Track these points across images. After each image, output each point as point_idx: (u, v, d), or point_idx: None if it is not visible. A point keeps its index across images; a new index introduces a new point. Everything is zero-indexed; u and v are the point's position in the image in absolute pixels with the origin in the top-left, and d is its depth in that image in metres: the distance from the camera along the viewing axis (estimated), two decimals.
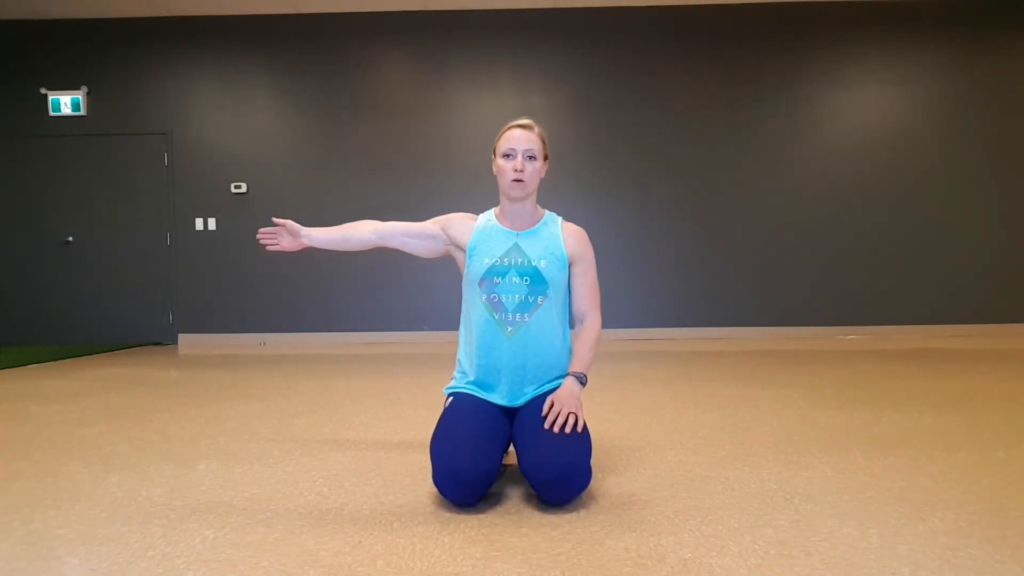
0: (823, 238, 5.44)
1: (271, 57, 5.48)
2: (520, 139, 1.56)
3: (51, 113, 5.47)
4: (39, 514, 1.40)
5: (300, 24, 5.47)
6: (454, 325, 1.72)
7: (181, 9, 5.38)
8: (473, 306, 1.61)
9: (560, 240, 1.62)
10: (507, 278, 1.56)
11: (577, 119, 5.46)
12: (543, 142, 1.60)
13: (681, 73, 5.45)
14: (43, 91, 5.47)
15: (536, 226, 1.63)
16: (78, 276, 5.54)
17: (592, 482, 1.53)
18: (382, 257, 5.45)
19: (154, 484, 1.60)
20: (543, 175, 1.62)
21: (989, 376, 3.13)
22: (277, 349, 5.07)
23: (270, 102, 5.50)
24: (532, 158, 1.56)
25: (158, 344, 5.52)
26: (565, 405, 1.43)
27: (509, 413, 1.59)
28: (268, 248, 1.74)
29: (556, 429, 1.39)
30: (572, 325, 1.66)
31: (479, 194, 5.28)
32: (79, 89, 5.46)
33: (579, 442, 1.39)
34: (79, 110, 5.45)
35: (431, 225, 1.69)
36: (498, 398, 1.59)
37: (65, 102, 5.45)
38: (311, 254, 5.45)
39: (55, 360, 4.34)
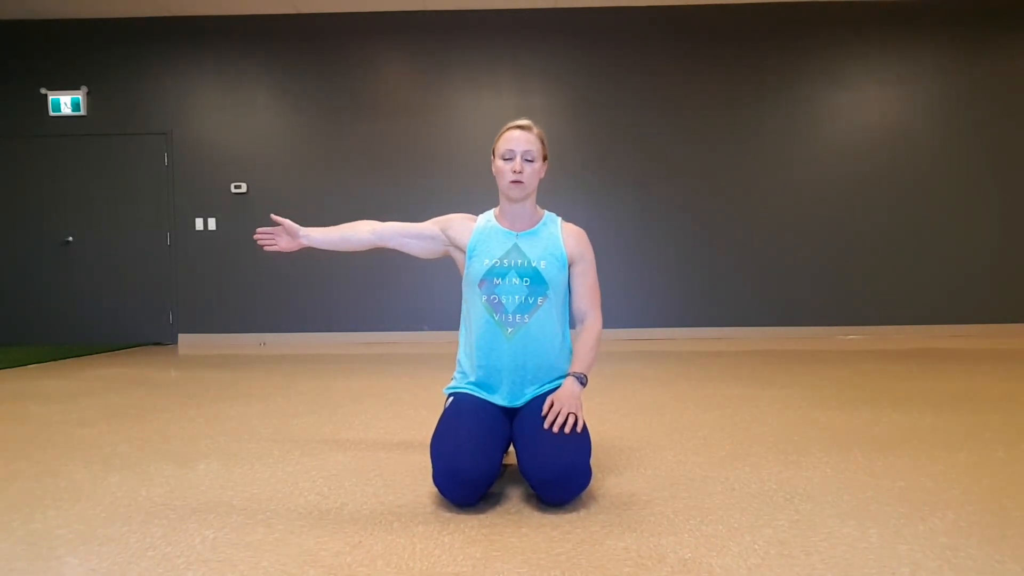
0: (823, 238, 5.44)
1: (271, 57, 5.48)
2: (519, 140, 1.56)
3: (51, 113, 5.47)
4: (39, 514, 1.40)
5: (300, 24, 5.47)
6: (454, 325, 1.73)
7: (181, 9, 5.38)
8: (473, 307, 1.60)
9: (560, 241, 1.62)
10: (507, 279, 1.56)
11: (577, 119, 5.46)
12: (542, 143, 1.60)
13: (681, 73, 5.45)
14: (43, 91, 5.47)
15: (536, 227, 1.63)
16: (78, 276, 5.54)
17: (592, 482, 1.53)
18: (382, 257, 5.45)
19: (154, 484, 1.60)
20: (542, 176, 1.62)
21: (989, 376, 3.13)
22: (277, 349, 5.07)
23: (270, 102, 5.50)
24: (531, 159, 1.56)
25: (158, 344, 5.52)
26: (565, 405, 1.43)
27: (509, 413, 1.59)
28: (266, 248, 1.72)
29: (556, 429, 1.39)
30: (572, 325, 1.66)
31: (479, 194, 5.28)
32: (79, 89, 5.46)
33: (579, 442, 1.39)
34: (79, 110, 5.45)
35: (430, 226, 1.68)
36: (498, 399, 1.59)
37: (65, 102, 5.45)
38: (311, 254, 5.46)
39: (55, 360, 4.34)
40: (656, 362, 3.90)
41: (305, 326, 5.51)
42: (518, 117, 1.68)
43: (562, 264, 1.60)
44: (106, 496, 1.51)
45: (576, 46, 5.46)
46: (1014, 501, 1.39)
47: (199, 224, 5.51)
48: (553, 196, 5.23)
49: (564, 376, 1.58)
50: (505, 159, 1.56)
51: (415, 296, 5.48)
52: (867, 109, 5.42)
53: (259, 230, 1.71)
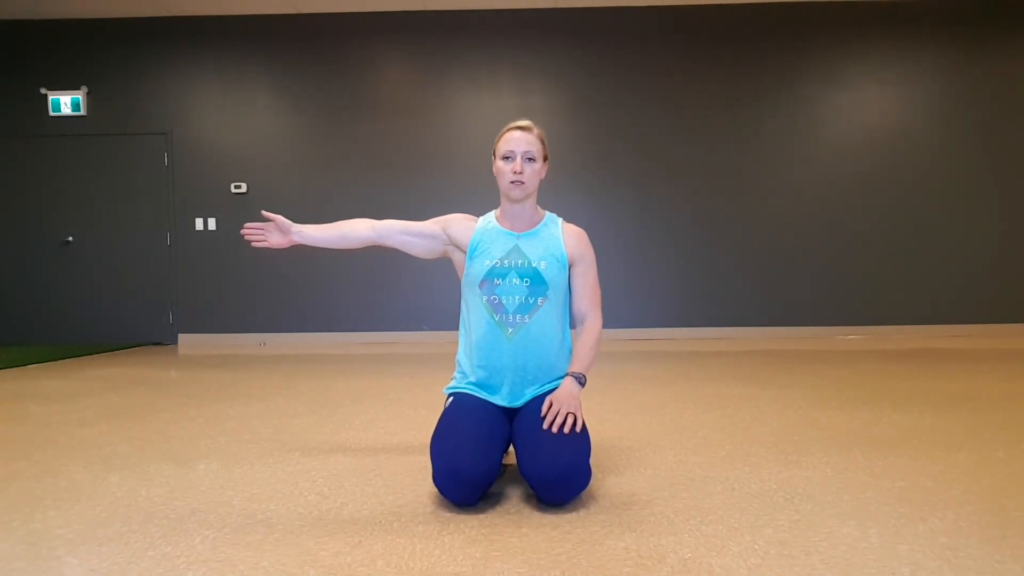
0: (823, 238, 5.44)
1: (271, 57, 5.48)
2: (519, 141, 1.56)
3: (51, 113, 5.47)
4: (39, 514, 1.40)
5: (300, 24, 5.47)
6: (454, 325, 1.72)
7: (181, 9, 5.38)
8: (473, 307, 1.60)
9: (560, 241, 1.62)
10: (507, 279, 1.56)
11: (577, 119, 5.46)
12: (542, 143, 1.60)
13: (681, 73, 5.45)
14: (43, 91, 5.47)
15: (536, 227, 1.63)
16: (78, 276, 5.54)
17: (592, 482, 1.53)
18: (382, 257, 5.45)
19: (154, 484, 1.60)
20: (543, 176, 1.62)
21: (989, 376, 3.13)
22: (277, 349, 5.07)
23: (270, 102, 5.50)
24: (531, 159, 1.56)
25: (158, 344, 5.52)
26: (564, 405, 1.43)
27: (509, 413, 1.59)
28: (255, 245, 1.67)
29: (555, 429, 1.39)
30: (573, 325, 1.66)
31: (479, 194, 5.29)
32: (79, 89, 5.46)
33: (579, 442, 1.39)
34: (79, 110, 5.45)
35: (432, 225, 1.67)
36: (498, 399, 1.59)
37: (65, 102, 5.45)
38: (311, 254, 5.46)
39: (55, 360, 4.34)
40: (656, 362, 3.90)
41: (305, 326, 5.51)
42: (518, 117, 1.68)
43: (562, 265, 1.60)
44: (106, 496, 1.51)
45: (576, 46, 5.46)
46: (1014, 501, 1.39)
47: (199, 224, 5.51)
48: (553, 196, 5.23)
49: (564, 376, 1.59)
50: (505, 159, 1.56)
51: (415, 296, 5.48)
52: (867, 109, 5.42)
53: (247, 225, 1.66)
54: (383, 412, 2.47)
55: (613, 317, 5.42)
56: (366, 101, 5.49)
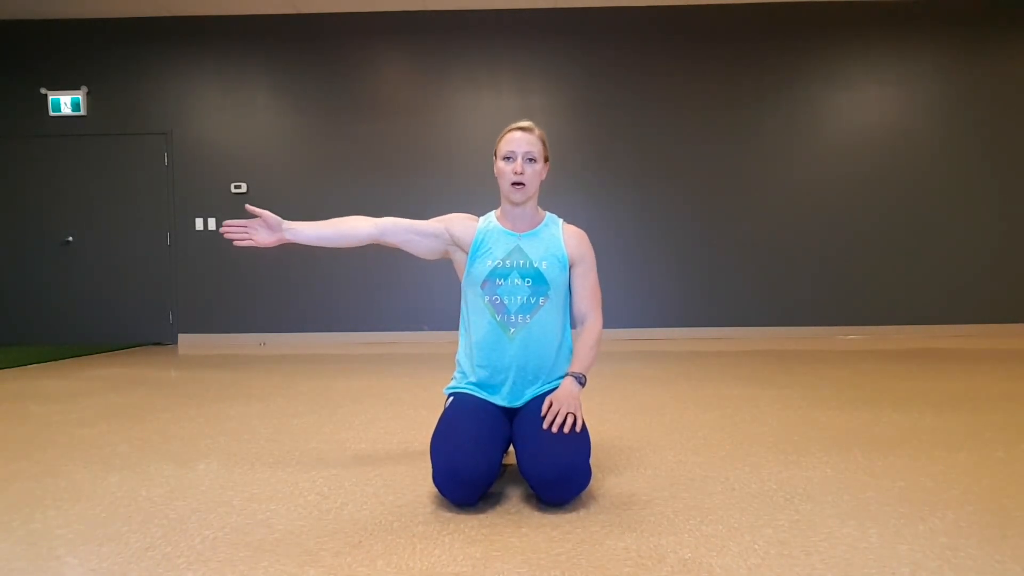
0: (823, 238, 5.44)
1: (271, 57, 5.48)
2: (520, 141, 1.56)
3: (51, 113, 5.47)
4: (39, 514, 1.40)
5: (300, 24, 5.47)
6: (454, 325, 1.72)
7: (181, 9, 5.38)
8: (474, 308, 1.60)
9: (561, 242, 1.62)
10: (509, 280, 1.56)
11: (577, 119, 5.46)
12: (543, 144, 1.60)
13: (681, 73, 5.45)
14: (43, 91, 5.47)
15: (537, 228, 1.63)
16: (78, 276, 5.54)
17: (592, 482, 1.53)
18: (382, 257, 5.45)
19: (154, 484, 1.60)
20: (544, 177, 1.62)
21: (989, 376, 3.13)
22: (277, 349, 5.07)
23: (270, 102, 5.50)
24: (532, 160, 1.56)
25: (158, 344, 5.52)
26: (564, 405, 1.43)
27: (509, 413, 1.59)
28: (237, 244, 1.54)
29: (555, 429, 1.39)
30: (573, 326, 1.66)
31: (479, 194, 5.29)
32: (79, 89, 5.46)
33: (578, 442, 1.39)
34: (79, 110, 5.45)
35: (435, 224, 1.65)
36: (499, 399, 1.59)
37: (65, 102, 5.45)
38: (312, 254, 5.47)
39: (55, 360, 4.34)
40: (656, 362, 3.90)
41: (305, 326, 5.51)
42: (519, 117, 1.68)
43: (563, 265, 1.60)
44: (106, 496, 1.51)
45: (576, 46, 5.46)
46: (1014, 501, 1.39)
47: (199, 224, 5.51)
48: (553, 196, 5.23)
49: (564, 376, 1.59)
50: (507, 160, 1.57)
51: (415, 296, 5.48)
52: (867, 109, 5.42)
53: (228, 223, 1.52)
54: (383, 412, 2.47)
55: (613, 317, 5.42)
56: (366, 101, 5.49)
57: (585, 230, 1.72)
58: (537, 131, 1.59)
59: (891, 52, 5.41)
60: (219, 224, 5.50)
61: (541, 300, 1.57)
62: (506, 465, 1.68)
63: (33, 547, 1.22)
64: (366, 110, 5.48)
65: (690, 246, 5.47)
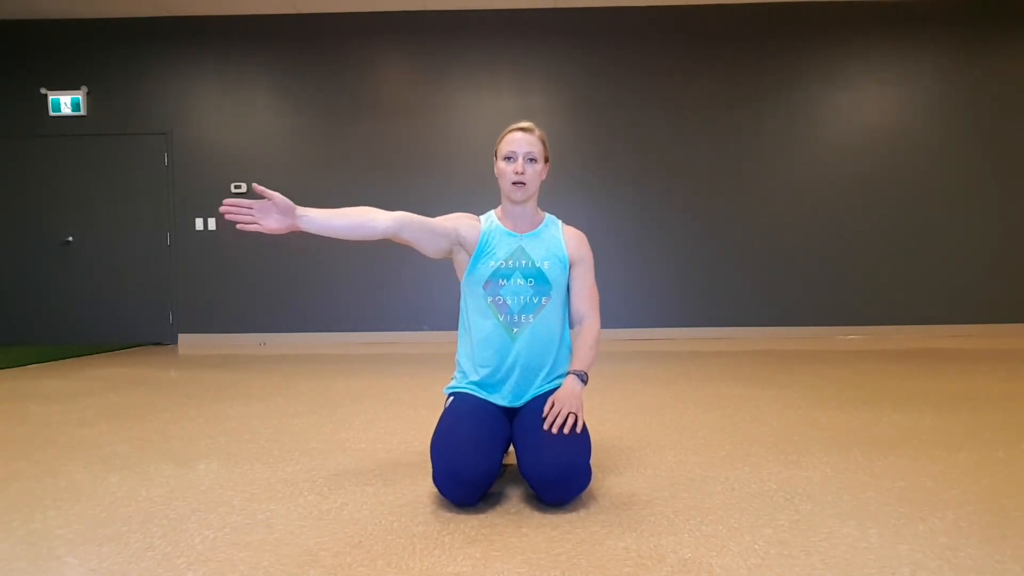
0: (823, 238, 5.44)
1: (271, 57, 5.48)
2: (521, 142, 1.57)
3: (51, 113, 5.47)
4: (39, 514, 1.40)
5: (300, 24, 5.47)
6: (454, 325, 1.72)
7: (181, 9, 5.38)
8: (476, 308, 1.60)
9: (561, 242, 1.63)
10: (512, 280, 1.57)
11: (577, 119, 5.46)
12: (544, 145, 1.61)
13: (681, 73, 5.45)
14: (43, 91, 5.47)
15: (538, 228, 1.64)
16: (78, 276, 5.54)
17: (592, 482, 1.53)
18: (382, 257, 5.45)
19: (154, 484, 1.60)
20: (544, 177, 1.63)
21: (989, 376, 3.13)
22: (277, 349, 5.07)
23: (270, 102, 5.50)
24: (533, 160, 1.57)
25: (158, 344, 5.52)
26: (565, 405, 1.43)
27: (509, 413, 1.59)
28: (241, 228, 1.35)
29: (555, 430, 1.39)
30: (571, 325, 1.66)
31: (479, 194, 5.29)
32: (79, 89, 5.46)
33: (579, 442, 1.40)
34: (79, 110, 5.45)
35: (445, 223, 1.61)
36: (500, 399, 1.59)
37: (65, 102, 5.45)
38: (311, 253, 5.47)
39: (55, 360, 4.34)
40: (656, 362, 3.90)
41: (305, 326, 5.51)
42: (519, 118, 1.68)
43: (564, 265, 1.62)
44: (106, 496, 1.51)
45: (576, 46, 5.46)
46: (1014, 501, 1.39)
47: (199, 224, 5.51)
48: (553, 196, 5.24)
49: (565, 375, 1.60)
50: (507, 160, 1.57)
51: (415, 296, 5.48)
52: (867, 109, 5.42)
53: (228, 202, 1.34)
54: (383, 412, 2.47)
55: (613, 317, 5.43)
56: (366, 101, 5.49)
57: (585, 230, 1.72)
58: (538, 132, 1.60)
59: (891, 52, 5.41)
60: (219, 224, 5.50)
61: (543, 300, 1.58)
62: (506, 465, 1.68)
63: (33, 547, 1.22)
64: (366, 110, 5.48)
65: (690, 246, 5.47)
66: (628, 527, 1.27)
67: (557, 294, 1.60)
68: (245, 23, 5.47)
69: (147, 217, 5.53)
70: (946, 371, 3.32)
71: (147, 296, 5.55)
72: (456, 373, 1.67)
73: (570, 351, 1.64)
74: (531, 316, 1.57)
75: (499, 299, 1.57)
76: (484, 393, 1.59)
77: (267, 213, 1.35)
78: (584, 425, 1.45)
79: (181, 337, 5.54)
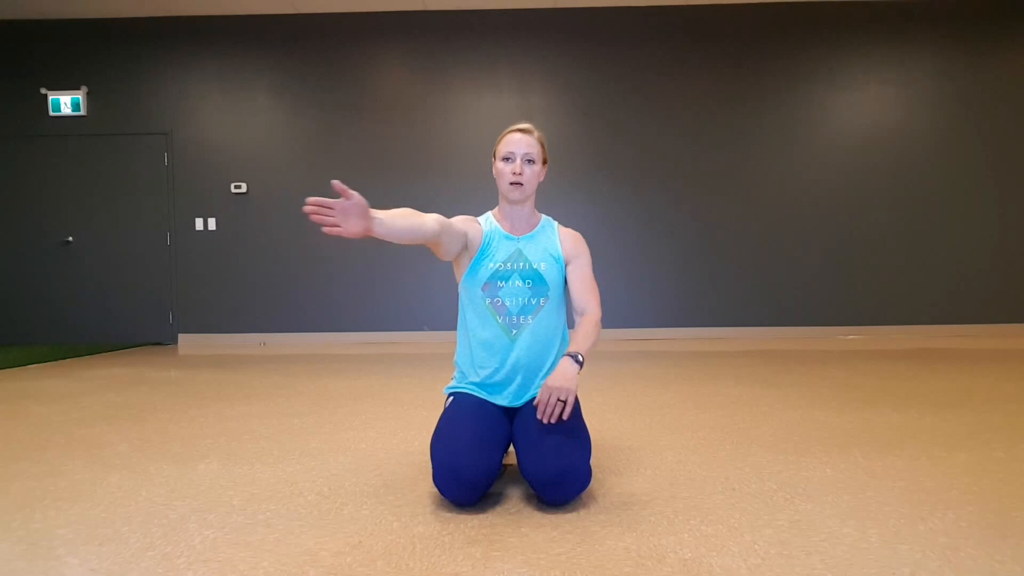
0: (823, 238, 5.44)
1: (271, 57, 5.48)
2: (520, 143, 1.57)
3: (51, 113, 5.47)
4: (39, 514, 1.40)
5: (300, 24, 5.47)
6: (454, 325, 1.71)
7: (181, 9, 5.38)
8: (475, 309, 1.61)
9: (557, 242, 1.65)
10: (510, 282, 1.58)
11: (577, 119, 5.46)
12: (542, 146, 1.62)
13: (681, 73, 5.45)
14: (43, 91, 5.47)
15: (535, 230, 1.65)
16: (78, 276, 5.54)
17: (592, 482, 1.53)
18: (382, 257, 5.46)
19: (154, 484, 1.60)
20: (542, 178, 1.64)
21: (989, 376, 3.13)
22: (277, 349, 5.07)
23: (270, 102, 5.50)
24: (531, 161, 1.58)
25: (158, 344, 5.52)
26: (555, 391, 1.38)
27: (509, 413, 1.59)
28: (328, 231, 1.19)
29: (546, 419, 1.36)
30: (572, 319, 1.66)
31: (479, 194, 5.29)
32: (79, 89, 5.46)
33: (579, 443, 1.40)
34: (79, 110, 5.45)
35: (459, 224, 1.59)
36: (500, 399, 1.59)
37: (65, 102, 5.45)
38: (310, 253, 5.47)
39: (55, 360, 4.34)
40: (656, 362, 3.90)
41: (305, 326, 5.51)
42: (519, 118, 1.69)
43: (560, 264, 1.63)
44: (106, 496, 1.51)
45: (576, 46, 5.46)
46: (1014, 501, 1.39)
47: (199, 224, 5.51)
48: (553, 196, 5.24)
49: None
50: (506, 161, 1.58)
51: (415, 296, 5.48)
52: (867, 109, 5.42)
53: (312, 200, 1.18)
54: (383, 412, 2.47)
55: (613, 317, 5.43)
56: (366, 101, 5.49)
57: (585, 230, 1.73)
58: (536, 133, 1.61)
59: (891, 52, 5.41)
60: (219, 224, 5.50)
61: (541, 301, 1.59)
62: (506, 465, 1.68)
63: (33, 547, 1.22)
64: (366, 110, 5.48)
65: (690, 246, 5.47)
66: (628, 527, 1.27)
67: (554, 295, 1.61)
68: (245, 23, 5.47)
69: (147, 217, 5.53)
70: (946, 371, 3.32)
71: (147, 296, 5.55)
72: (456, 373, 1.67)
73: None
74: (529, 317, 1.57)
75: (498, 301, 1.58)
76: (484, 393, 1.60)
77: (348, 215, 1.21)
78: (584, 426, 1.45)
79: (181, 337, 5.54)
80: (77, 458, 1.85)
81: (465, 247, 1.62)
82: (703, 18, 5.43)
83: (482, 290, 1.58)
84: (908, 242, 5.42)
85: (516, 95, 5.45)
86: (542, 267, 1.59)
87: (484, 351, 1.58)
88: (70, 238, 5.53)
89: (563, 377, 1.41)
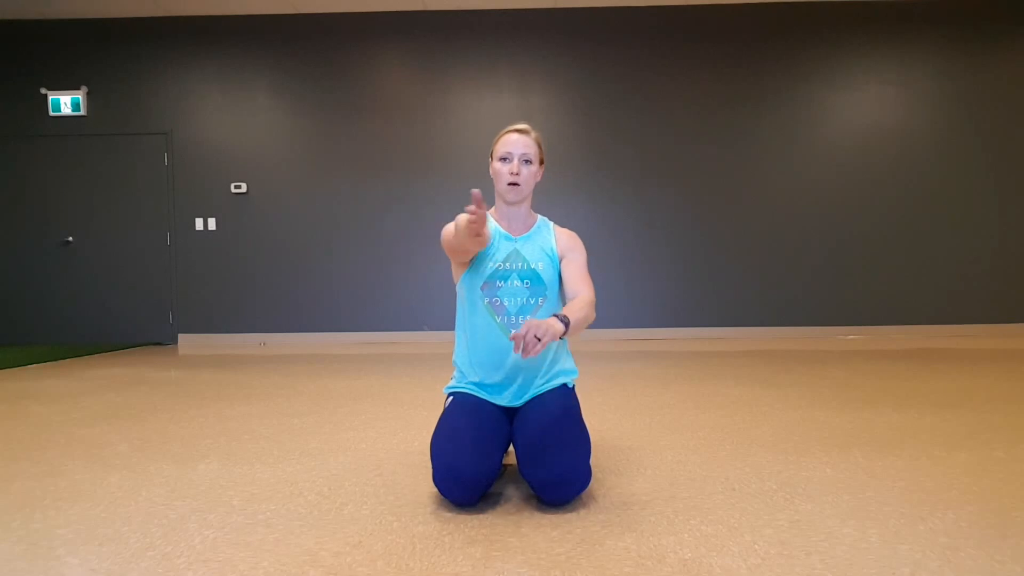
0: (823, 238, 5.44)
1: (271, 57, 5.48)
2: (517, 143, 1.58)
3: (51, 113, 5.47)
4: (39, 514, 1.40)
5: (300, 24, 5.47)
6: (454, 325, 1.71)
7: (181, 9, 5.38)
8: (473, 309, 1.61)
9: (553, 242, 1.65)
10: (509, 282, 1.58)
11: (577, 119, 5.46)
12: (539, 147, 1.63)
13: (681, 73, 5.45)
14: (43, 91, 5.47)
15: (531, 230, 1.66)
16: (78, 276, 5.54)
17: (592, 482, 1.53)
18: (382, 257, 5.46)
19: (154, 484, 1.60)
20: (539, 179, 1.65)
21: (989, 376, 3.13)
22: (277, 349, 5.07)
23: (270, 102, 5.50)
24: (528, 162, 1.59)
25: (158, 344, 5.52)
26: (534, 327, 1.30)
27: (509, 413, 1.59)
28: (478, 237, 1.31)
29: (516, 349, 1.30)
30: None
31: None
32: (79, 89, 5.46)
33: (578, 443, 1.40)
34: (79, 110, 5.46)
35: None
36: (499, 399, 1.59)
37: (65, 102, 5.45)
38: (310, 253, 5.47)
39: (55, 360, 4.34)
40: (656, 362, 3.90)
41: (305, 326, 5.51)
42: (519, 118, 1.69)
43: (555, 263, 1.64)
44: (106, 496, 1.51)
45: (576, 46, 5.46)
46: (1014, 501, 1.39)
47: (199, 224, 5.51)
48: (554, 196, 5.24)
49: (564, 374, 1.61)
50: (503, 161, 1.59)
51: (415, 296, 5.48)
52: (867, 109, 5.42)
53: (473, 208, 1.25)
54: (383, 412, 2.47)
55: (613, 317, 5.43)
56: (366, 101, 5.49)
57: (585, 230, 1.74)
58: (533, 133, 1.62)
59: (891, 52, 5.42)
60: (219, 224, 5.51)
61: (540, 300, 1.59)
62: (506, 465, 1.68)
63: (33, 547, 1.22)
64: (366, 110, 5.49)
65: (690, 246, 5.47)
66: (628, 527, 1.27)
67: (552, 295, 1.61)
68: (245, 23, 5.47)
69: (147, 217, 5.53)
70: (946, 371, 3.32)
71: (147, 296, 5.55)
72: (455, 373, 1.67)
73: (567, 349, 1.66)
74: (528, 317, 1.57)
75: (496, 300, 1.58)
76: (484, 393, 1.60)
77: (483, 224, 1.30)
78: (583, 426, 1.46)
79: (181, 337, 5.54)
80: (77, 458, 1.85)
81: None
82: (703, 18, 5.43)
83: (481, 289, 1.59)
84: (908, 242, 5.42)
85: (516, 95, 5.45)
86: (539, 267, 1.60)
87: (483, 351, 1.58)
88: (70, 238, 5.53)
89: (545, 322, 1.34)
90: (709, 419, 2.27)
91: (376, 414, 2.44)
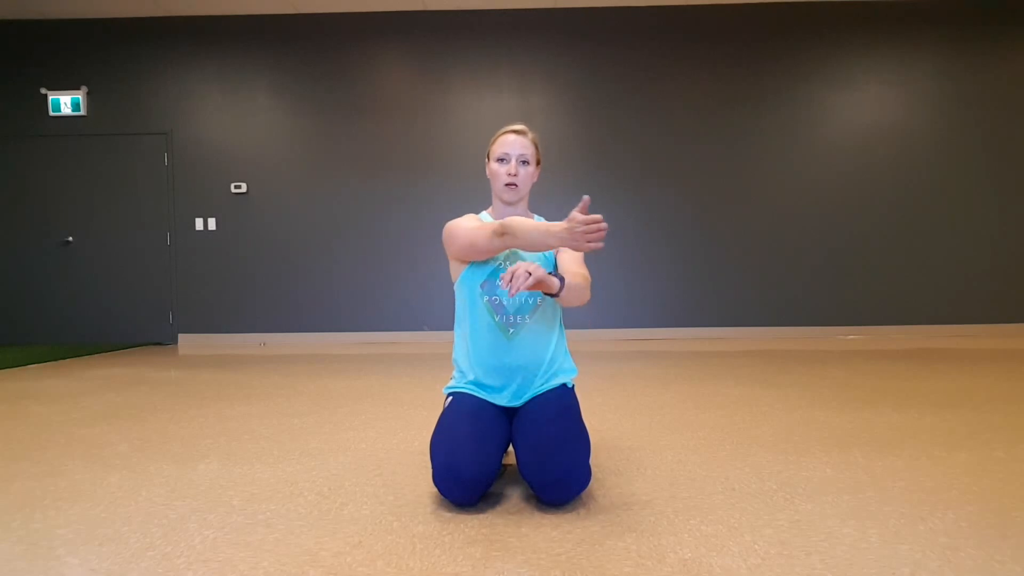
0: (823, 238, 5.44)
1: (271, 57, 5.48)
2: (514, 144, 1.58)
3: (51, 113, 5.47)
4: (39, 514, 1.40)
5: (300, 24, 5.48)
6: (453, 325, 1.71)
7: (181, 9, 5.38)
8: (473, 308, 1.61)
9: None
10: None
11: (577, 119, 5.46)
12: (536, 147, 1.64)
13: (681, 73, 5.45)
14: (43, 91, 5.47)
15: None
16: (78, 276, 5.54)
17: (592, 482, 1.53)
18: (382, 257, 5.46)
19: (154, 484, 1.60)
20: (536, 179, 1.66)
21: (989, 376, 3.13)
22: (277, 349, 5.07)
23: (270, 102, 5.50)
24: (525, 163, 1.60)
25: (158, 344, 5.52)
26: (525, 265, 1.29)
27: (509, 413, 1.59)
28: (596, 244, 1.27)
29: (504, 284, 1.29)
30: (566, 320, 1.66)
31: (479, 194, 5.28)
32: (79, 89, 5.46)
33: (578, 443, 1.40)
34: (79, 110, 5.46)
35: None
36: (499, 399, 1.59)
37: (65, 102, 5.46)
38: (310, 253, 5.47)
39: (55, 360, 4.34)
40: (656, 362, 3.90)
41: (305, 326, 5.52)
42: (519, 118, 1.70)
43: (552, 263, 1.64)
44: (106, 496, 1.51)
45: (576, 46, 5.46)
46: (1014, 501, 1.39)
47: (199, 224, 5.51)
48: (553, 196, 5.24)
49: (563, 373, 1.61)
50: (500, 161, 1.60)
51: (415, 296, 5.48)
52: (867, 109, 5.42)
53: (598, 223, 1.26)
54: (383, 412, 2.47)
55: (613, 317, 5.43)
56: (366, 101, 5.49)
57: None
58: (530, 134, 1.64)
59: (891, 52, 5.42)
60: (219, 224, 5.51)
61: (539, 300, 1.59)
62: (506, 465, 1.68)
63: (33, 547, 1.22)
64: (366, 110, 5.49)
65: (690, 246, 5.47)
66: (628, 527, 1.27)
67: None
68: (245, 23, 5.48)
69: (147, 217, 5.53)
70: (946, 371, 3.32)
71: (147, 296, 5.55)
72: (455, 373, 1.67)
73: (566, 349, 1.66)
74: (527, 317, 1.58)
75: (495, 299, 1.58)
76: (483, 393, 1.60)
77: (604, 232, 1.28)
78: (583, 426, 1.46)
79: (181, 337, 5.54)
80: (77, 458, 1.85)
81: None
82: (703, 18, 5.43)
83: (480, 287, 1.59)
84: (908, 242, 5.42)
85: (516, 95, 5.45)
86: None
87: (483, 351, 1.58)
88: (70, 238, 5.53)
89: (538, 266, 1.32)
90: (709, 419, 2.27)
91: (376, 414, 2.44)
